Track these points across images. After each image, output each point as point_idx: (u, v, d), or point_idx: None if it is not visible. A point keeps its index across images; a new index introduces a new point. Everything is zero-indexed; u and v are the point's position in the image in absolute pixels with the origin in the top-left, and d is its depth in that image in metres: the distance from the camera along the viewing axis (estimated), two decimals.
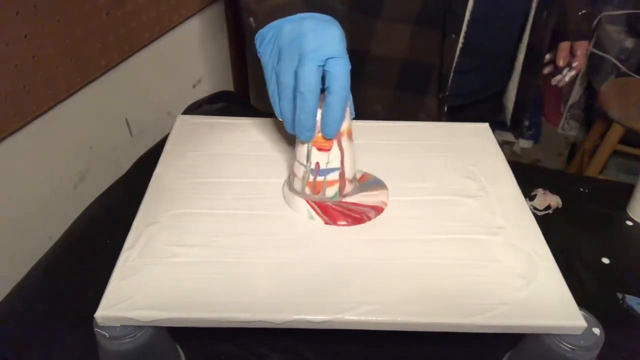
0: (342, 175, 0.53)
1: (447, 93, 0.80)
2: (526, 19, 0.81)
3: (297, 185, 0.55)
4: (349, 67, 0.46)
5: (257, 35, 0.51)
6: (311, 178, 0.53)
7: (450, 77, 0.78)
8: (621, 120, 1.42)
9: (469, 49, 0.76)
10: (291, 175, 0.56)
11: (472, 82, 0.84)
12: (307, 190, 0.54)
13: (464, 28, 0.74)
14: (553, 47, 0.95)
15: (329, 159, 0.52)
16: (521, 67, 0.86)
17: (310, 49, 0.45)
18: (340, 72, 0.46)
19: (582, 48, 0.95)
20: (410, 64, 0.79)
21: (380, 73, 0.82)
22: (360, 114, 0.88)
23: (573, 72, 0.97)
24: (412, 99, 0.83)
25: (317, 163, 0.52)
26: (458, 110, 0.85)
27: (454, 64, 0.77)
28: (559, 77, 0.98)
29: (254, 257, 0.50)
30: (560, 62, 0.95)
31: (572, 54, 0.95)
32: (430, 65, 0.79)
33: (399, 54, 0.78)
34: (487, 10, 0.74)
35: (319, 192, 0.54)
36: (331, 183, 0.54)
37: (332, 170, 0.53)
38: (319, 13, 0.49)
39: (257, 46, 0.51)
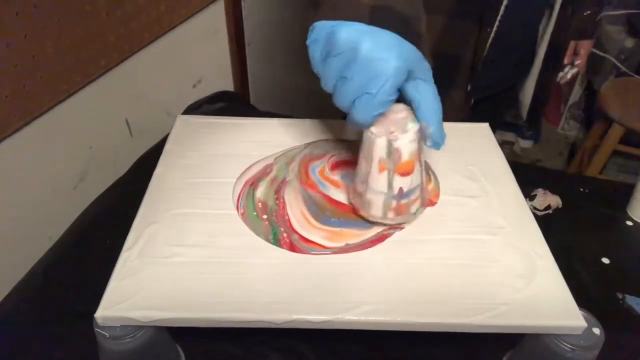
0: (422, 188, 0.51)
1: (472, 88, 0.81)
2: (549, 15, 0.83)
3: (376, 212, 0.51)
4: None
5: (314, 24, 0.47)
6: (394, 204, 0.50)
7: (479, 70, 0.79)
8: (621, 120, 1.42)
9: (496, 41, 0.78)
10: (359, 202, 0.52)
11: (492, 75, 0.85)
12: (390, 215, 0.51)
13: (496, 22, 0.76)
14: None
15: (412, 180, 0.49)
16: (541, 63, 0.88)
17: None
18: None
19: (585, 47, 0.99)
20: (439, 56, 0.78)
21: None
22: None
23: (575, 70, 1.00)
24: (439, 92, 0.83)
25: (401, 188, 0.49)
26: (473, 104, 0.86)
27: (483, 57, 0.78)
28: (561, 74, 1.01)
29: (253, 257, 0.50)
30: (565, 60, 0.98)
31: (575, 52, 0.99)
32: (458, 57, 0.79)
33: (429, 45, 0.78)
34: (518, 3, 0.75)
35: (403, 214, 0.51)
36: (414, 201, 0.51)
37: (414, 190, 0.50)
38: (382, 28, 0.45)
39: (310, 32, 0.48)
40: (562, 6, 0.82)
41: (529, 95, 0.92)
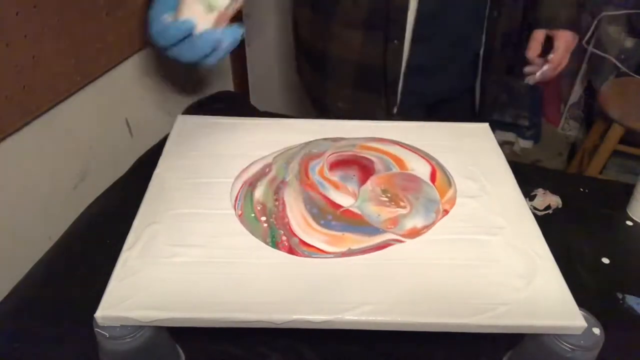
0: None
1: (398, 96, 0.81)
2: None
3: None
4: None
5: None
6: None
7: (400, 81, 0.79)
8: (621, 120, 1.41)
9: (420, 52, 0.77)
10: None
11: (433, 83, 0.84)
12: None
13: (409, 35, 0.76)
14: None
15: None
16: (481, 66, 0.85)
17: None
18: None
19: (563, 39, 0.81)
20: (363, 65, 0.81)
21: (338, 72, 0.85)
22: (326, 109, 0.90)
23: (546, 67, 0.82)
24: (369, 98, 0.84)
25: None
26: (431, 109, 0.87)
27: (403, 68, 0.78)
28: (530, 68, 0.84)
29: (254, 257, 0.50)
30: (529, 53, 0.83)
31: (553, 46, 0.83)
32: (381, 68, 0.80)
33: (353, 55, 0.81)
34: (433, 15, 0.75)
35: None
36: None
37: None
38: None
39: None
40: (490, 9, 0.78)
41: (477, 98, 0.89)
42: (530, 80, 0.85)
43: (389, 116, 0.83)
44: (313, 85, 0.92)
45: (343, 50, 0.81)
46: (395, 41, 0.75)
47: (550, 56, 0.82)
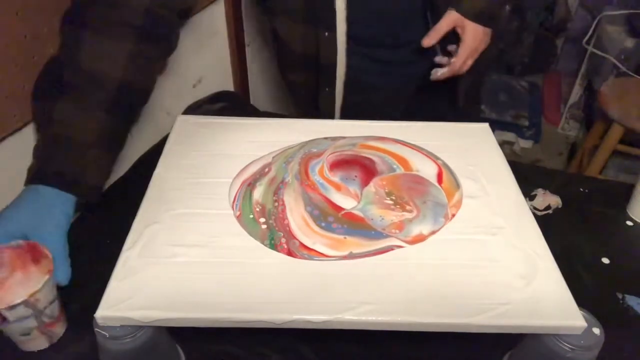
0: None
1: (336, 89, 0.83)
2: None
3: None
4: None
5: None
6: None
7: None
8: (621, 120, 1.41)
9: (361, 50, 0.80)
10: None
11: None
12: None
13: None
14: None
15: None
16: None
17: None
18: None
19: (471, 36, 0.69)
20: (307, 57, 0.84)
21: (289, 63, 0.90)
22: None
23: (446, 70, 0.74)
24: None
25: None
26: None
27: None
28: (439, 58, 0.76)
29: (254, 257, 0.50)
30: (424, 42, 0.72)
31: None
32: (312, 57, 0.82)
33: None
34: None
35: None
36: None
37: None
38: None
39: None
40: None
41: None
42: (432, 76, 0.77)
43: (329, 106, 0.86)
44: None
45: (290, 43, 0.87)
46: (327, 33, 0.76)
47: (453, 59, 0.73)
